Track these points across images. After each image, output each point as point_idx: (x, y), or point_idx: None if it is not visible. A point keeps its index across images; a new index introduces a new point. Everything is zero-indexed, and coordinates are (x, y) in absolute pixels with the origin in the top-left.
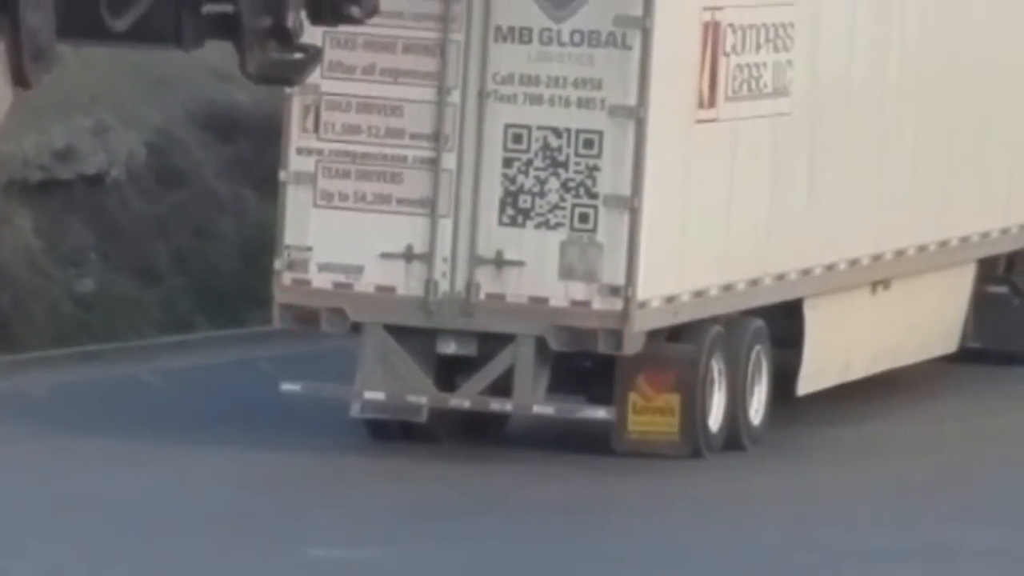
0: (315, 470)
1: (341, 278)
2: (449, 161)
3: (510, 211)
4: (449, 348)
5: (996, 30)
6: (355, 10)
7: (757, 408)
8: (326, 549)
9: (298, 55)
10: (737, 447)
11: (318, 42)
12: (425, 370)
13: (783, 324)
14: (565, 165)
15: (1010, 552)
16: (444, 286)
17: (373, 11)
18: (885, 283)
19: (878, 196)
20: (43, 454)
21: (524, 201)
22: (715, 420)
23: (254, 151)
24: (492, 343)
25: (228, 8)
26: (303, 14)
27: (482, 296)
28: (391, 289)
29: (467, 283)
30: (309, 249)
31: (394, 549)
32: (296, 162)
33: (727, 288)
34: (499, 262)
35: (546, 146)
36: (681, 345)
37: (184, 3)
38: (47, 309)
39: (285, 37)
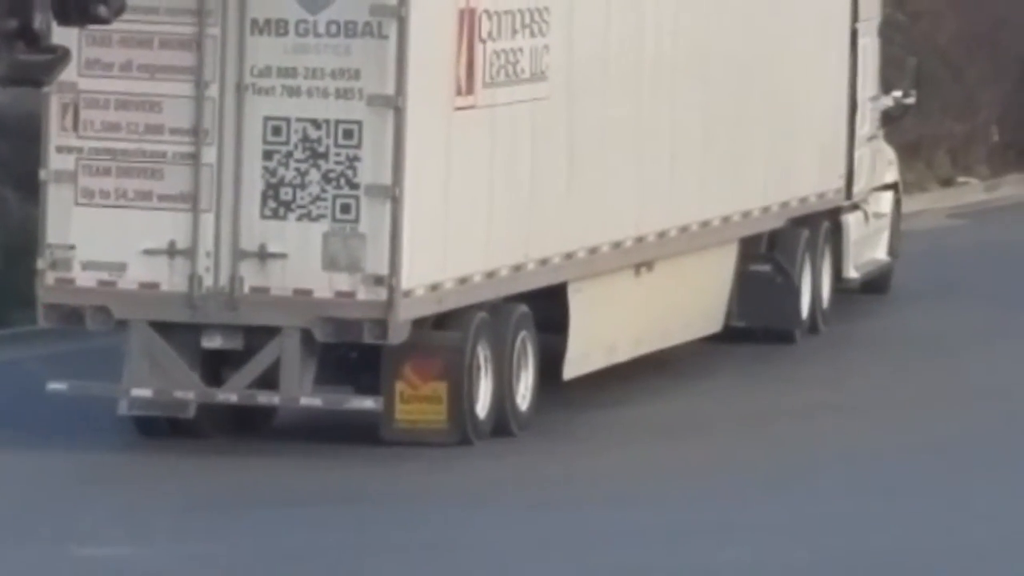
0: (83, 469)
1: (105, 276)
2: (209, 155)
3: (272, 204)
4: (215, 343)
5: (752, 15)
6: (102, 9)
7: (524, 393)
8: (95, 547)
9: (47, 56)
10: (506, 433)
11: (74, 39)
12: (191, 365)
13: (548, 309)
14: (325, 156)
15: (774, 527)
16: (208, 281)
17: (120, 10)
18: (648, 265)
19: (638, 179)
20: None
21: (285, 193)
22: (483, 407)
23: (14, 150)
24: (258, 336)
25: None
26: (50, 15)
27: (246, 290)
28: (155, 285)
29: (231, 277)
30: (72, 247)
31: (165, 545)
32: (56, 160)
33: (491, 275)
34: (262, 255)
35: (306, 138)
36: (446, 333)
37: None
38: None
39: (32, 39)
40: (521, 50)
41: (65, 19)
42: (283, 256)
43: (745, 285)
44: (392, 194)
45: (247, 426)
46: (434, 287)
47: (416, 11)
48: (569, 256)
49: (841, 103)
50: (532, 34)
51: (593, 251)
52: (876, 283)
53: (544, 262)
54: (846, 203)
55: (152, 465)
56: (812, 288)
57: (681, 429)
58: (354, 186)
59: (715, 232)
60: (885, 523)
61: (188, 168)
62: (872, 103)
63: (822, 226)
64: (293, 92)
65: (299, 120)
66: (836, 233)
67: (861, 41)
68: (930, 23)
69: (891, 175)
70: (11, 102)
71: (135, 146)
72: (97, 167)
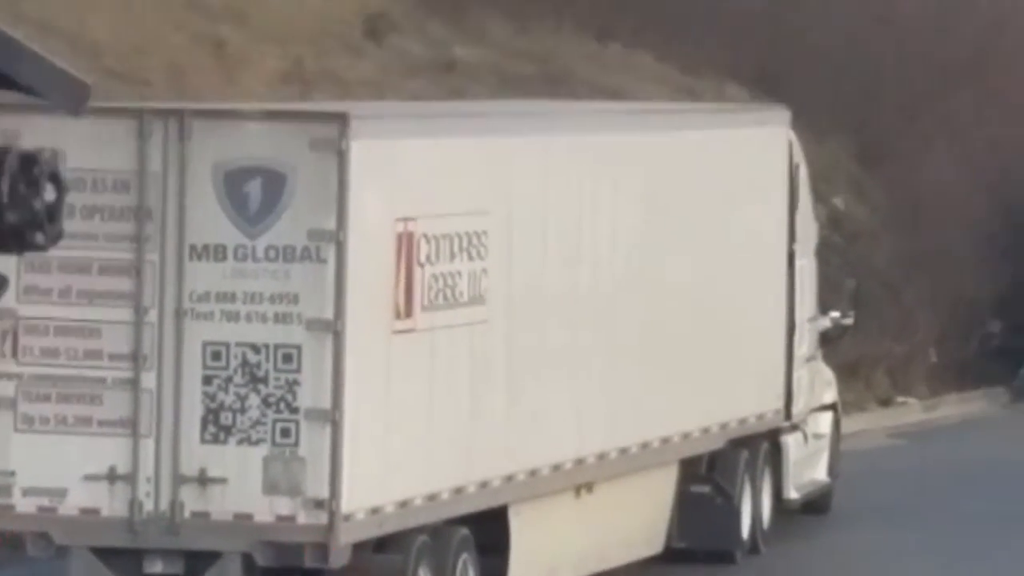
0: None
1: (45, 502)
2: (148, 381)
3: (212, 428)
4: (156, 568)
5: (690, 238)
6: (39, 237)
7: None
8: None
9: None
10: None
11: (13, 266)
12: None
13: (489, 531)
14: (265, 380)
15: None
16: (149, 506)
17: (58, 237)
18: (588, 486)
19: (577, 400)
20: None
21: (225, 418)
22: None
23: None
24: (199, 561)
25: None
26: None
27: (187, 514)
28: (96, 511)
29: (171, 502)
30: (12, 474)
31: None
32: None
33: (431, 497)
34: (203, 479)
35: (245, 362)
36: (388, 556)
37: None
38: None
39: None
40: (459, 273)
41: (3, 247)
42: (223, 480)
43: (685, 506)
44: (332, 418)
45: None
46: (375, 510)
47: (354, 235)
48: (509, 478)
49: (779, 324)
50: (470, 257)
51: (533, 473)
52: (816, 503)
53: (485, 484)
54: (785, 424)
55: None
56: (752, 509)
57: None
58: (294, 410)
59: (655, 453)
60: None
61: (128, 393)
62: (810, 324)
63: (762, 447)
64: (232, 317)
65: (238, 344)
66: (776, 454)
67: (798, 262)
68: (867, 244)
69: (830, 395)
70: None
71: (75, 372)
72: (37, 393)
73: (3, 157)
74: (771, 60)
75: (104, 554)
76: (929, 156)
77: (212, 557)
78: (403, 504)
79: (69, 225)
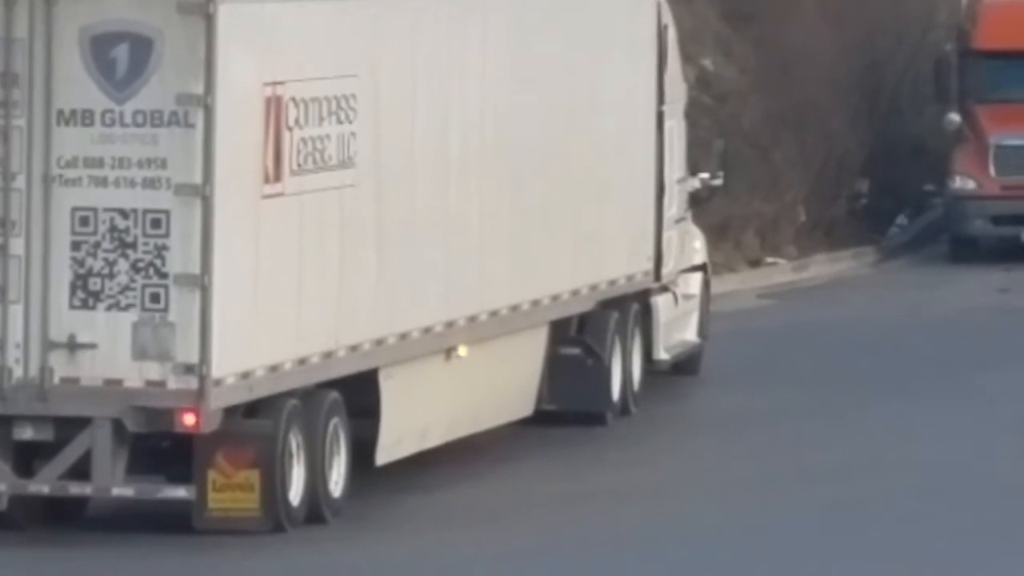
0: None
1: None
2: (17, 247)
3: (81, 294)
4: (26, 434)
5: (558, 100)
6: None
7: (337, 480)
8: None
9: None
10: (319, 519)
11: None
12: (2, 457)
13: (360, 395)
14: (134, 246)
15: None
16: (18, 372)
17: None
18: (459, 349)
19: (447, 264)
20: None
21: (94, 284)
22: (296, 494)
23: None
24: (69, 427)
25: None
26: None
27: (56, 380)
28: None
29: (41, 368)
30: None
31: None
32: None
33: (301, 362)
34: (72, 345)
35: (113, 228)
36: (258, 421)
37: None
38: None
39: None
40: (328, 137)
41: None
42: (93, 346)
43: (555, 368)
44: (201, 283)
45: (60, 517)
46: (245, 375)
47: (222, 100)
48: (379, 342)
49: (648, 185)
50: (339, 121)
51: (403, 337)
52: (686, 364)
53: (355, 348)
54: (655, 285)
55: None
56: (623, 370)
57: (495, 513)
58: (163, 275)
59: (524, 316)
60: None
61: None
62: (679, 185)
63: (632, 308)
64: (100, 182)
65: (107, 210)
66: (646, 315)
67: (667, 123)
68: (736, 105)
69: (699, 256)
70: None
71: None
72: None
73: None
74: None
75: None
76: (797, 15)
77: (82, 423)
78: (273, 368)
79: None
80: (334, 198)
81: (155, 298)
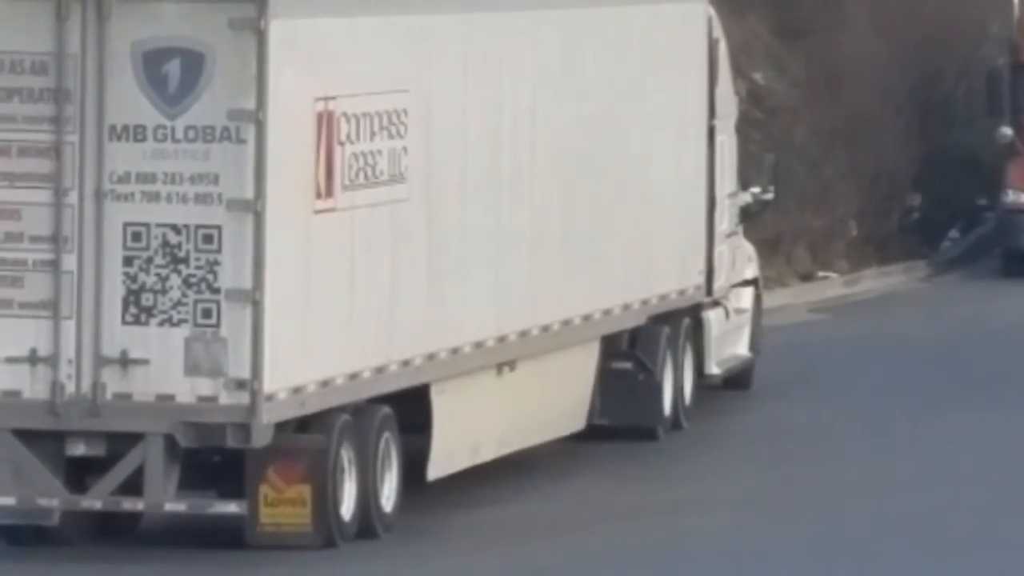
0: None
1: None
2: (69, 262)
3: (133, 310)
4: (78, 450)
5: (610, 115)
6: None
7: (388, 495)
8: None
9: None
10: (371, 535)
11: None
12: (55, 473)
13: (412, 410)
14: (186, 261)
15: None
16: (71, 388)
17: None
18: (511, 364)
19: (499, 278)
20: None
21: (147, 299)
22: (347, 509)
23: None
24: (121, 442)
25: None
26: None
27: (109, 396)
28: (17, 393)
29: (93, 384)
30: None
31: None
32: None
33: (353, 376)
34: (124, 361)
35: (166, 243)
36: (310, 436)
37: None
38: None
39: None
40: (380, 152)
41: None
42: (145, 362)
43: (607, 383)
44: (253, 298)
45: (112, 532)
46: (296, 390)
47: (274, 115)
48: (431, 357)
49: (700, 200)
50: (390, 136)
51: (455, 351)
52: (738, 379)
53: (406, 363)
54: (707, 300)
55: (16, 573)
56: (674, 385)
57: (547, 528)
58: (215, 291)
59: (576, 330)
60: None
61: (48, 275)
62: (731, 200)
63: (683, 323)
64: (152, 198)
65: (159, 226)
66: (697, 330)
67: (718, 138)
68: (787, 119)
69: (751, 271)
70: None
71: None
72: None
73: None
74: None
75: (26, 436)
76: (848, 29)
77: (134, 439)
78: (325, 383)
79: None
80: (385, 213)
81: (207, 313)
